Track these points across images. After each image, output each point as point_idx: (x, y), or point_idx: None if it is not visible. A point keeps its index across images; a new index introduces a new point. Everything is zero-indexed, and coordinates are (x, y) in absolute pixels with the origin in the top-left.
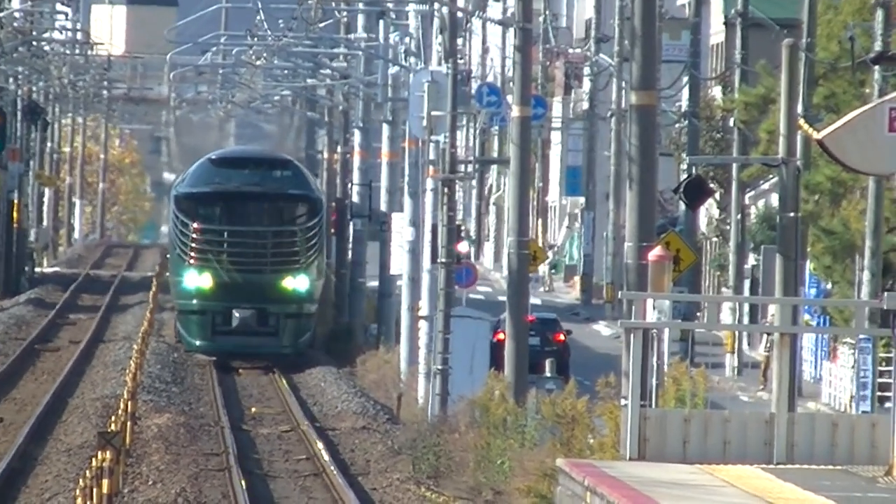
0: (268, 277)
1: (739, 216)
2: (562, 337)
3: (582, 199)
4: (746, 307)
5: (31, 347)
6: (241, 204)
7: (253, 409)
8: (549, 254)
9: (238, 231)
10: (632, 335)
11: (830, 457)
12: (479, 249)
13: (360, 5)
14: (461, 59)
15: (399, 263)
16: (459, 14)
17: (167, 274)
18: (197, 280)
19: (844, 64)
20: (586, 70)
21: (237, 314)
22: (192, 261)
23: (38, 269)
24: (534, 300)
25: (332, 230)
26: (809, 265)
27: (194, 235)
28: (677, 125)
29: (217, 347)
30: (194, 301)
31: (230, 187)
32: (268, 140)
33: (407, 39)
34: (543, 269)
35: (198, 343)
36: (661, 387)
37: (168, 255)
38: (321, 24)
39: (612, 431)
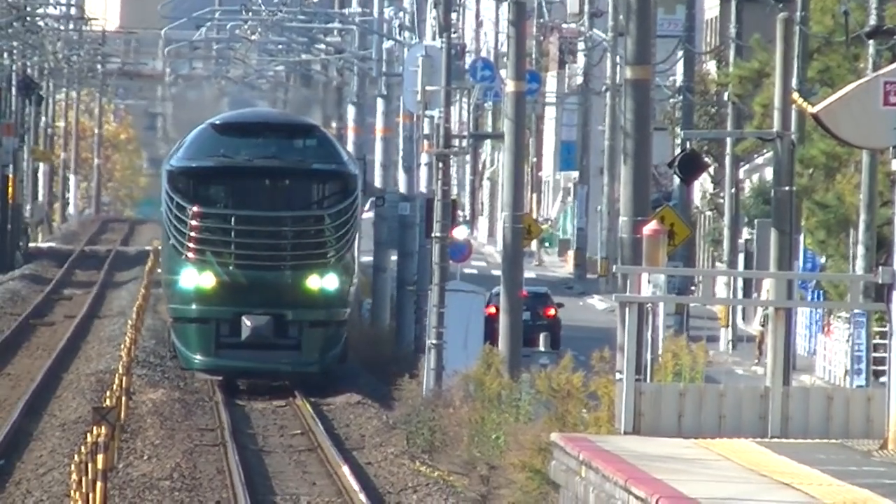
0: (287, 276)
1: (734, 190)
2: (552, 311)
3: (576, 174)
4: (741, 281)
5: (26, 323)
6: (253, 182)
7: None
8: (543, 227)
9: (249, 217)
10: (626, 309)
11: (825, 431)
12: (474, 224)
13: None
14: (455, 33)
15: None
16: None
17: (158, 270)
18: (196, 279)
19: (839, 38)
20: (580, 45)
21: (248, 322)
22: (190, 254)
23: (32, 245)
24: (527, 274)
25: None
26: (804, 239)
27: (193, 222)
28: (672, 100)
29: (223, 365)
30: (193, 306)
31: (239, 160)
32: None
33: (401, 14)
34: (534, 243)
35: (198, 359)
36: (656, 361)
37: (160, 246)
38: None
39: (607, 406)
